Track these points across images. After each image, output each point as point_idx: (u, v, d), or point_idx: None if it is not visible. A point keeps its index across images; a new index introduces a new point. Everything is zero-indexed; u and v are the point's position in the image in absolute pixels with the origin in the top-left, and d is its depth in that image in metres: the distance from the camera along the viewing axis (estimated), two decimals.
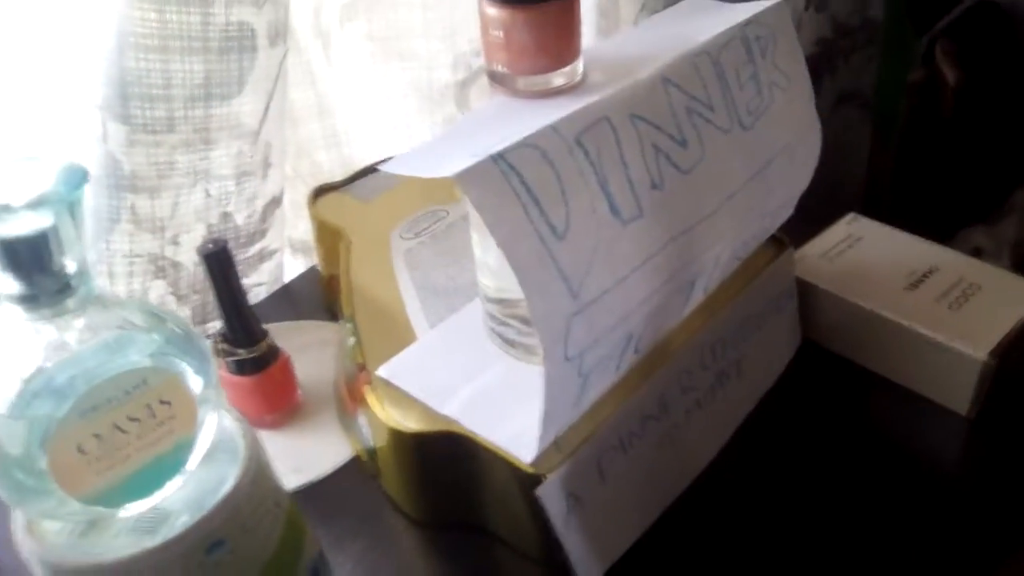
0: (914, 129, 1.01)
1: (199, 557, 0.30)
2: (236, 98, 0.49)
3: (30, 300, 0.26)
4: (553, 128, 0.32)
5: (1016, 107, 0.90)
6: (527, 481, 0.36)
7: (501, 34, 0.34)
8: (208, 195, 0.50)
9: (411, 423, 0.40)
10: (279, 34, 0.50)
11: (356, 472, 0.46)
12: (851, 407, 0.47)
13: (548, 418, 0.34)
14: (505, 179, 0.31)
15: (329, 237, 0.53)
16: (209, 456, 0.31)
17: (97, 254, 0.47)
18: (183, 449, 0.30)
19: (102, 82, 0.45)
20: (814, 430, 0.46)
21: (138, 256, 0.49)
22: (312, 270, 0.60)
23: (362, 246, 0.51)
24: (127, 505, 0.29)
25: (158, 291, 0.50)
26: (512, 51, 0.35)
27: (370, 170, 0.58)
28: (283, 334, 0.49)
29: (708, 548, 0.41)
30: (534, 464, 0.36)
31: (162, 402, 0.29)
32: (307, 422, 0.49)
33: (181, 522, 0.30)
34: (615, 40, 0.46)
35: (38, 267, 0.26)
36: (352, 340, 0.44)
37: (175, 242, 0.49)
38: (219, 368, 0.47)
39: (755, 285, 0.45)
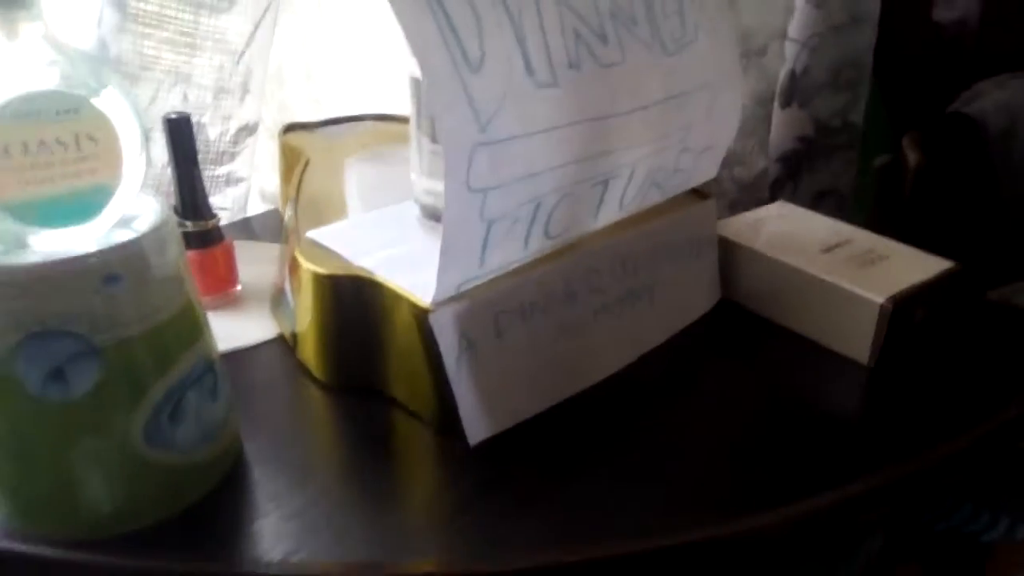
0: (879, 210, 1.06)
1: (96, 283, 0.32)
2: (225, 14, 0.54)
3: None
4: None
5: (973, 189, 0.95)
6: (425, 323, 0.38)
7: None
8: (186, 99, 0.54)
9: (328, 270, 0.42)
10: None
11: (279, 350, 0.48)
12: (761, 358, 0.49)
13: (448, 250, 0.37)
14: (430, 8, 0.35)
15: (292, 161, 0.57)
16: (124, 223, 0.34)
17: None
18: (102, 194, 0.33)
19: None
20: (722, 374, 0.48)
21: None
22: (275, 211, 0.64)
23: (318, 163, 0.55)
24: (40, 229, 0.32)
25: None
26: None
27: (340, 120, 0.62)
28: (237, 246, 0.52)
29: (599, 457, 0.41)
30: (433, 305, 0.39)
31: (90, 138, 0.32)
32: (241, 312, 0.51)
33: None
34: None
35: None
36: (289, 215, 0.47)
37: (147, 136, 0.53)
38: None
39: (672, 218, 0.49)
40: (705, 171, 0.50)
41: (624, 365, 0.46)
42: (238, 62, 0.56)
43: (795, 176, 0.94)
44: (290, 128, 0.60)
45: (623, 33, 0.42)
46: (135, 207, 0.35)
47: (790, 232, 0.53)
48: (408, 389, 0.42)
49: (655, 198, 0.48)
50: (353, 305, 0.42)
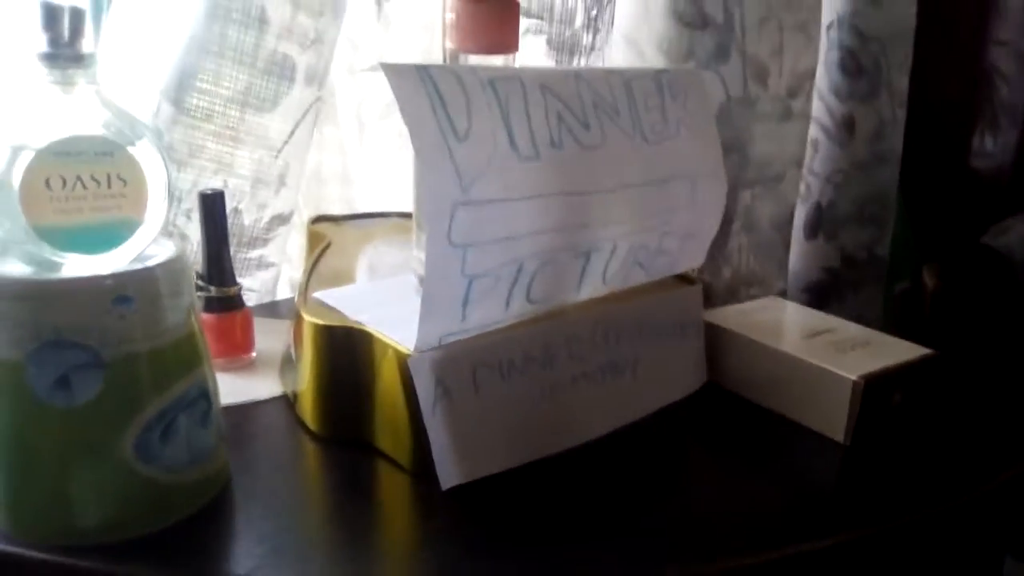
0: (898, 334, 1.07)
1: (108, 302, 0.36)
2: (268, 113, 0.61)
3: (52, 60, 0.36)
4: (471, 68, 0.42)
5: (996, 317, 0.95)
6: (406, 371, 0.42)
7: (453, 16, 0.45)
8: (226, 185, 0.61)
9: (325, 322, 0.46)
10: (315, 78, 0.62)
11: (282, 407, 0.51)
12: (741, 436, 0.51)
13: (429, 301, 0.40)
14: (422, 82, 0.40)
15: (316, 245, 0.62)
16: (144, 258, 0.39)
17: None
18: (127, 227, 0.38)
19: (168, 72, 0.57)
20: (701, 446, 0.49)
21: None
22: None
23: (338, 247, 0.60)
24: (69, 254, 0.37)
25: None
26: (460, 32, 0.45)
27: (368, 215, 0.68)
28: (259, 323, 0.57)
29: (571, 512, 0.43)
30: (414, 352, 0.42)
31: (120, 178, 0.37)
32: (253, 375, 0.55)
33: None
34: None
35: (67, 32, 0.35)
36: (302, 281, 0.52)
37: (187, 216, 0.59)
38: None
39: (657, 298, 0.51)
40: (691, 258, 0.53)
41: (604, 433, 0.48)
42: (276, 157, 0.62)
43: (822, 306, 0.95)
44: (319, 219, 0.66)
45: (605, 121, 0.46)
46: (157, 248, 0.40)
47: (776, 320, 0.56)
48: (391, 437, 0.45)
49: (639, 278, 0.51)
50: (346, 355, 0.46)
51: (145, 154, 0.38)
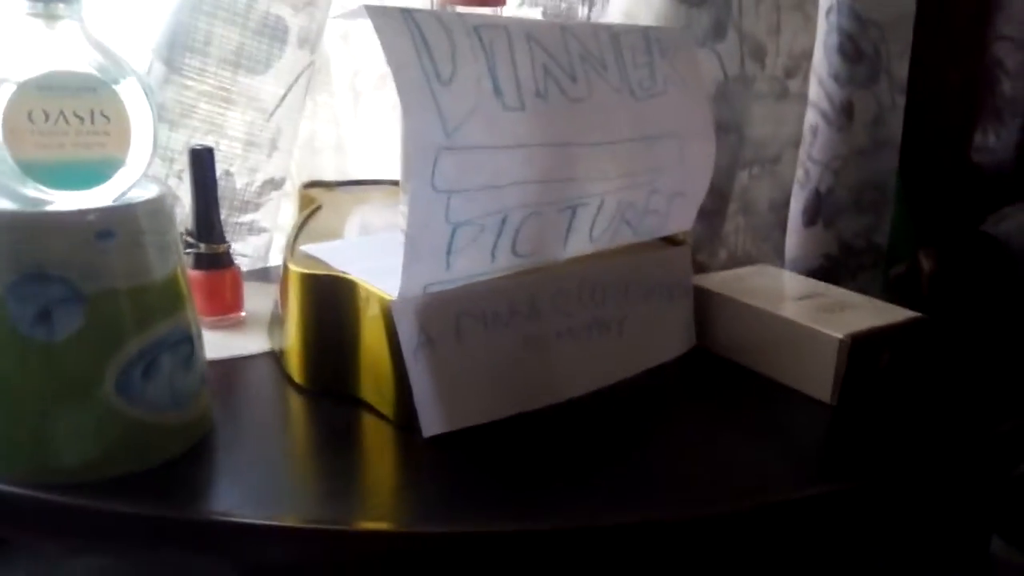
0: None
1: (90, 236, 0.36)
2: (260, 75, 0.61)
3: None
4: (456, 14, 0.42)
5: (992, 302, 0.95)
6: (390, 319, 0.42)
7: None
8: (218, 147, 0.61)
9: (311, 271, 0.46)
10: (307, 41, 0.62)
11: (268, 363, 0.51)
12: (727, 396, 0.50)
13: (412, 247, 0.40)
14: (406, 26, 0.40)
15: (306, 207, 0.62)
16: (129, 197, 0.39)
17: None
18: (110, 165, 0.38)
19: (160, 30, 0.57)
20: (689, 409, 0.49)
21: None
22: None
23: (329, 208, 0.60)
24: (51, 190, 0.37)
25: None
26: None
27: (360, 181, 0.68)
28: (250, 287, 0.57)
29: (555, 461, 0.43)
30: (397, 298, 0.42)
31: (103, 114, 0.37)
32: (241, 333, 0.55)
33: None
34: None
35: None
36: (290, 236, 0.52)
37: (180, 176, 0.59)
38: None
39: (644, 258, 0.51)
40: (679, 220, 0.53)
41: (589, 390, 0.48)
42: (268, 120, 0.62)
43: None
44: (311, 184, 0.66)
45: (592, 75, 0.46)
46: (143, 191, 0.40)
47: (765, 285, 0.56)
48: (374, 386, 0.45)
49: (627, 236, 0.51)
50: (330, 305, 0.46)
51: (130, 93, 0.38)
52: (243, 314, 0.57)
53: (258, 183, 0.64)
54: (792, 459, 0.43)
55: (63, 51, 0.37)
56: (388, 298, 0.42)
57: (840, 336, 0.47)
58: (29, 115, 0.36)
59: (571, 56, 0.46)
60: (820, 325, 0.48)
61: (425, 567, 0.37)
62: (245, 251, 0.66)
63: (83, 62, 0.37)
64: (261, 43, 0.60)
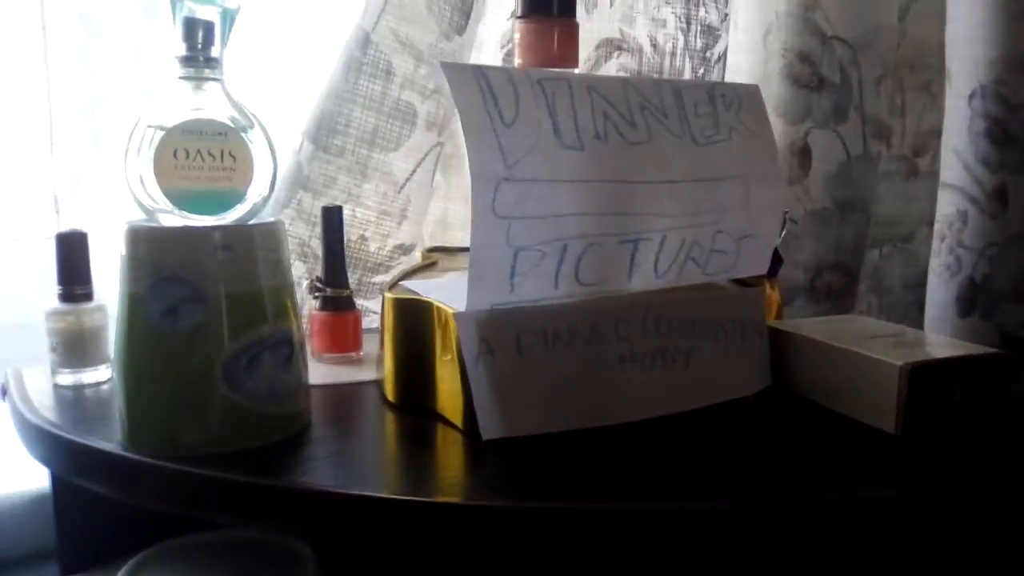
0: None
1: (212, 248, 0.45)
2: (392, 152, 0.70)
3: (187, 61, 0.46)
4: (523, 70, 0.49)
5: None
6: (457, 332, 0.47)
7: (518, 36, 0.53)
8: (354, 215, 0.70)
9: (398, 295, 0.53)
10: (435, 124, 0.72)
11: (372, 390, 0.58)
12: (797, 429, 0.51)
13: (476, 267, 0.46)
14: (475, 78, 0.47)
15: (425, 263, 0.70)
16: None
17: None
18: (233, 196, 0.47)
19: (310, 115, 0.69)
20: (764, 446, 0.50)
21: (291, 236, 0.69)
22: None
23: (444, 267, 0.67)
24: (187, 214, 0.46)
25: (296, 272, 0.69)
26: (522, 49, 0.53)
27: None
28: (374, 338, 0.65)
29: (615, 474, 0.46)
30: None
31: (231, 155, 0.47)
32: (356, 368, 0.62)
33: None
34: None
35: (200, 40, 0.46)
36: (396, 277, 0.59)
37: (319, 238, 0.69)
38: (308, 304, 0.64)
39: (712, 296, 0.54)
40: (751, 263, 0.55)
41: (649, 416, 0.51)
42: (399, 192, 0.71)
43: None
44: (434, 249, 0.73)
45: (652, 121, 0.51)
46: (266, 218, 0.49)
47: (847, 328, 0.56)
48: (446, 398, 0.50)
49: (696, 275, 0.54)
50: (414, 326, 0.52)
51: (254, 139, 0.48)
52: (362, 353, 0.64)
53: (389, 248, 0.73)
54: (844, 481, 0.44)
55: (205, 104, 0.47)
56: (453, 310, 0.48)
57: (899, 364, 0.47)
58: (175, 153, 0.46)
59: (631, 105, 0.51)
60: (884, 355, 0.48)
61: (479, 535, 0.42)
62: (376, 308, 0.74)
63: (220, 113, 0.47)
64: (393, 125, 0.70)
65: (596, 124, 0.49)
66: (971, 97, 0.83)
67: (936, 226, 0.81)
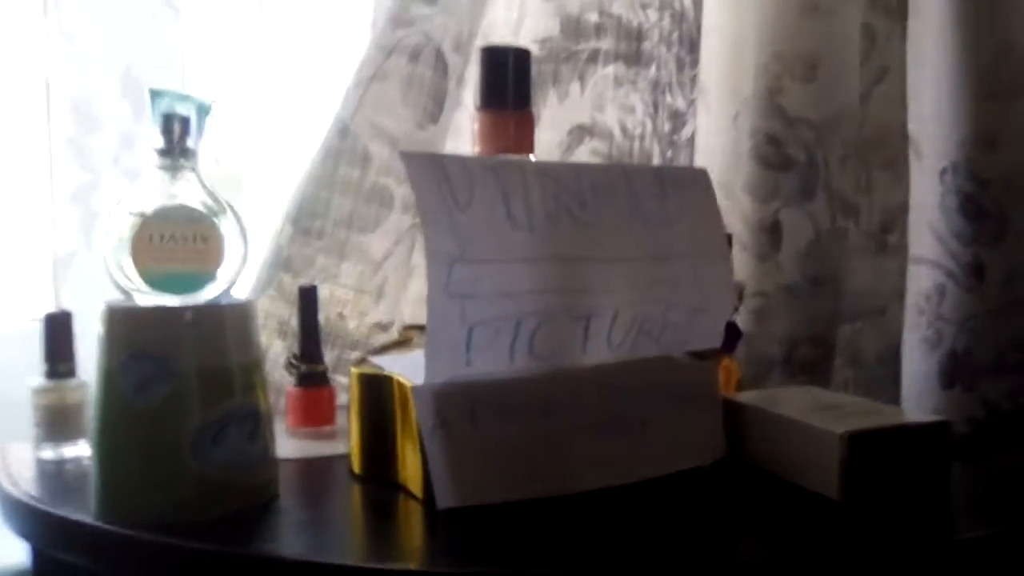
0: None
1: (180, 326, 0.48)
2: (370, 234, 0.74)
3: (165, 153, 0.50)
4: (479, 157, 0.52)
5: None
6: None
7: (476, 126, 0.56)
8: (332, 295, 0.73)
9: (362, 371, 0.56)
10: (412, 206, 0.75)
11: (343, 463, 0.60)
12: (743, 496, 0.53)
13: (433, 342, 0.49)
14: (433, 163, 0.50)
15: (403, 340, 0.72)
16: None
17: None
18: (204, 278, 0.50)
19: (291, 200, 0.73)
20: (712, 514, 0.52)
21: (272, 316, 0.72)
22: None
23: (418, 343, 0.69)
24: (162, 294, 0.49)
25: (276, 350, 0.72)
26: (479, 137, 0.56)
27: None
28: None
29: (570, 543, 0.48)
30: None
31: (203, 239, 0.50)
32: (329, 442, 0.64)
33: None
34: None
35: (177, 134, 0.50)
36: (365, 355, 0.62)
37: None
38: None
39: (664, 367, 0.56)
40: (705, 335, 0.58)
41: (603, 486, 0.52)
42: (376, 271, 0.75)
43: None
44: (411, 327, 0.76)
45: (602, 202, 0.54)
46: (236, 298, 0.52)
47: (796, 399, 0.58)
48: (406, 469, 0.52)
49: (649, 349, 0.56)
50: (376, 400, 0.54)
51: (225, 224, 0.51)
52: (336, 427, 0.66)
53: (367, 325, 0.76)
54: (784, 543, 0.45)
55: (180, 192, 0.50)
56: (410, 383, 0.50)
57: (840, 432, 0.49)
58: (150, 237, 0.49)
59: (582, 187, 0.54)
60: (825, 424, 0.50)
61: None
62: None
63: (194, 200, 0.50)
64: (371, 208, 0.74)
65: (547, 206, 0.53)
66: (943, 173, 0.86)
67: (911, 299, 0.82)
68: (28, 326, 0.74)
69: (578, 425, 0.53)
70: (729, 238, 0.66)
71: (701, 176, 0.59)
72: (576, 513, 0.50)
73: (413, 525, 0.50)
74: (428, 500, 0.50)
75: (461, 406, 0.50)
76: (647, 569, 0.43)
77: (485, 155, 0.57)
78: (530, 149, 0.57)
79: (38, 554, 0.58)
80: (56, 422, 0.58)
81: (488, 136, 0.56)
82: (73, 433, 0.59)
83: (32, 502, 0.51)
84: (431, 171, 0.50)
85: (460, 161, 0.51)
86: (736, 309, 0.67)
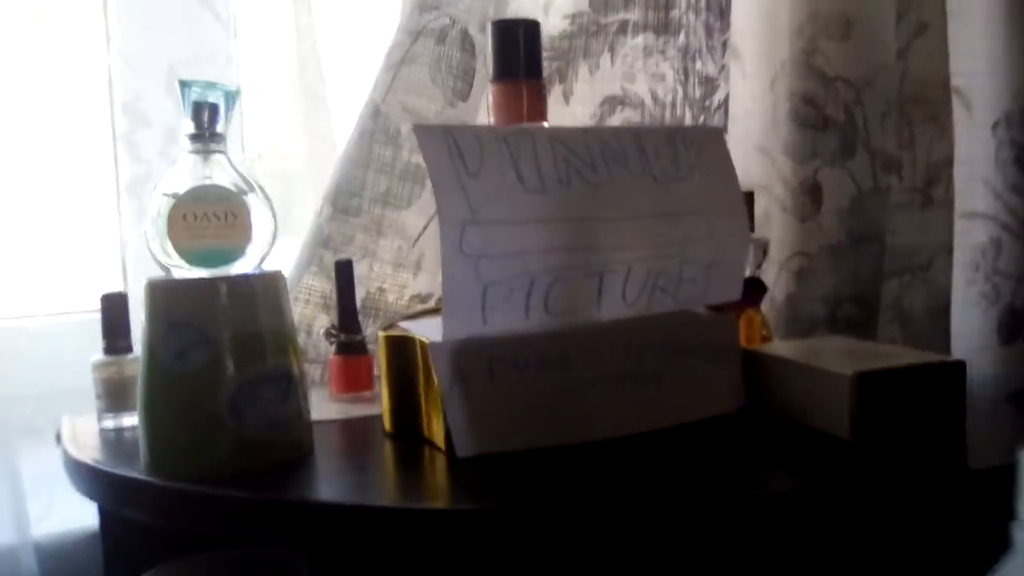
0: None
1: (215, 297, 0.51)
2: (405, 210, 0.77)
3: (196, 138, 0.54)
4: (488, 127, 0.54)
5: None
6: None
7: (490, 97, 0.59)
8: (372, 269, 0.77)
9: (389, 333, 0.59)
10: None
11: (375, 423, 0.63)
12: (760, 440, 0.55)
13: (449, 302, 0.51)
14: (443, 135, 0.53)
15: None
16: None
17: (292, 285, 0.75)
18: (234, 253, 0.54)
19: (329, 181, 0.76)
20: (731, 454, 0.54)
21: (315, 291, 0.76)
22: None
23: None
24: (198, 268, 0.53)
25: (320, 323, 0.75)
26: (493, 109, 0.58)
27: None
28: None
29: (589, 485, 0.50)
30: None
31: (233, 215, 0.54)
32: (366, 405, 0.68)
33: None
34: None
35: (207, 119, 0.54)
36: (398, 318, 0.65)
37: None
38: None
39: (681, 321, 0.57)
40: (723, 289, 0.59)
41: (622, 434, 0.54)
42: (413, 245, 0.78)
43: None
44: None
45: (612, 165, 0.56)
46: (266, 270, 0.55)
47: (819, 346, 0.59)
48: (430, 423, 0.55)
49: (667, 303, 0.58)
50: (403, 360, 0.57)
51: (254, 202, 0.54)
52: (374, 391, 0.69)
53: (407, 298, 0.79)
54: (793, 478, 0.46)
55: (212, 173, 0.54)
56: (428, 341, 0.53)
57: (849, 373, 0.49)
58: (184, 216, 0.53)
59: (592, 151, 0.56)
60: (835, 367, 0.51)
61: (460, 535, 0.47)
62: None
63: (224, 180, 0.54)
64: (404, 185, 0.76)
65: (559, 170, 0.54)
66: (995, 126, 0.85)
67: (964, 255, 0.81)
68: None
69: (594, 377, 0.55)
70: (750, 196, 0.67)
71: (715, 133, 0.60)
72: (596, 457, 0.52)
73: (438, 472, 0.53)
74: (451, 452, 0.53)
75: (478, 361, 0.52)
76: (667, 502, 0.45)
77: (499, 125, 0.59)
78: (543, 117, 0.59)
79: (104, 515, 0.63)
80: (115, 394, 0.63)
81: (502, 106, 0.58)
82: (131, 403, 0.63)
83: (96, 464, 0.56)
84: (441, 141, 0.52)
85: (470, 131, 0.53)
86: (759, 265, 0.67)
